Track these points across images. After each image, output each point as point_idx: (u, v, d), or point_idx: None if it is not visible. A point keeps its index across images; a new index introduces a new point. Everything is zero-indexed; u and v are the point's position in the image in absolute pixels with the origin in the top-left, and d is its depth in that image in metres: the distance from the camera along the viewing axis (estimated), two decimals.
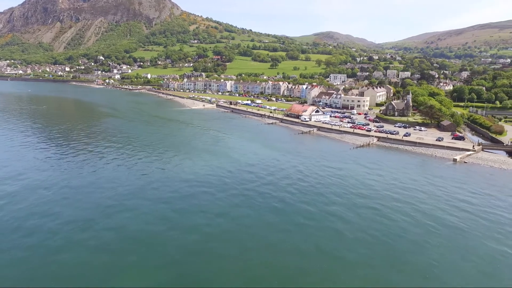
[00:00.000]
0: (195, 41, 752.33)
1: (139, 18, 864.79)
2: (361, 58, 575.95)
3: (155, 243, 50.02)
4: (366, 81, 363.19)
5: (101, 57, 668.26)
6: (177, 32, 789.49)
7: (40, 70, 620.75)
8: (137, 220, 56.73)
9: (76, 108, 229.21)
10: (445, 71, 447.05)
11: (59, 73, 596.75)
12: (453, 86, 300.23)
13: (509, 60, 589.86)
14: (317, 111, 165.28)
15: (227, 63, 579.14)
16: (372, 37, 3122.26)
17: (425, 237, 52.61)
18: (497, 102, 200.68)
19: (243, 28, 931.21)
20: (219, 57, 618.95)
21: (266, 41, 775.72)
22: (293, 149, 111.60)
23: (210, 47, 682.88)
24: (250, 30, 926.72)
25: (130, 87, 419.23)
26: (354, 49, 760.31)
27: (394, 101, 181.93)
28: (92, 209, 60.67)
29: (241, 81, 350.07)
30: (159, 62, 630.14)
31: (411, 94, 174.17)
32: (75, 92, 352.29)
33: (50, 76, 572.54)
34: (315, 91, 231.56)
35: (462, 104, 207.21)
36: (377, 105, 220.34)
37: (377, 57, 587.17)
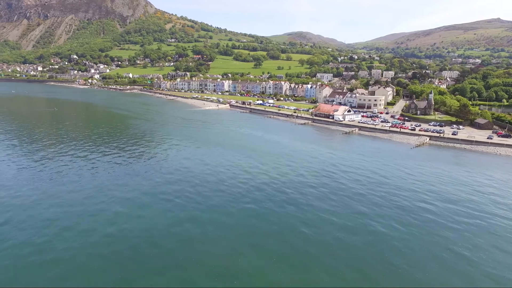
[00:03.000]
0: (173, 40, 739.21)
1: (112, 16, 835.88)
2: (342, 58, 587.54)
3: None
4: (354, 80, 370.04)
5: (75, 56, 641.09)
6: (153, 31, 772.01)
7: (9, 70, 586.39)
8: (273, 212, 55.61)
9: (89, 110, 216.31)
10: (426, 71, 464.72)
11: (31, 73, 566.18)
12: (446, 85, 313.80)
13: (477, 60, 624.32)
14: (348, 111, 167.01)
15: (209, 62, 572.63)
16: (342, 37, 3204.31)
17: None
18: (504, 100, 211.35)
19: (218, 27, 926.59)
20: (199, 56, 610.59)
21: (245, 40, 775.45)
22: (357, 149, 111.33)
23: (189, 46, 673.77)
24: (226, 29, 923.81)
25: (120, 87, 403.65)
26: (330, 49, 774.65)
27: (415, 100, 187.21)
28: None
29: (240, 80, 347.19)
30: (138, 62, 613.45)
31: (432, 93, 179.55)
32: (64, 93, 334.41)
33: (23, 76, 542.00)
34: (327, 90, 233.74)
35: (470, 102, 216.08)
36: (388, 104, 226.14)
37: (356, 57, 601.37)
